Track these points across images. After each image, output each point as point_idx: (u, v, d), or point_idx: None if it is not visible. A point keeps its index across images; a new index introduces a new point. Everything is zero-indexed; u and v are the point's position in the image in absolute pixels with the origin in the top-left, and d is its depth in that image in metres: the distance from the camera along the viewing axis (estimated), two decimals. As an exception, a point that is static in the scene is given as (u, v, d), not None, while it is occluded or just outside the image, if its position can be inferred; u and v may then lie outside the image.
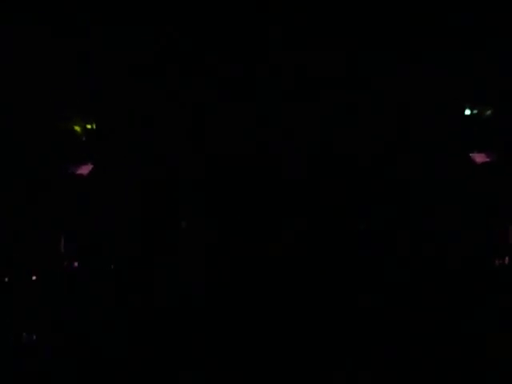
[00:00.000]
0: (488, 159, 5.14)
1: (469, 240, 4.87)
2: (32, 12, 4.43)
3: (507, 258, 4.89)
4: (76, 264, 5.03)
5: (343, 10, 4.57)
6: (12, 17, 4.45)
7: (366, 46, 4.71)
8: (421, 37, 4.90)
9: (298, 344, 4.06)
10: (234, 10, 4.51)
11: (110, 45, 4.69)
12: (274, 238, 4.69)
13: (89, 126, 5.18)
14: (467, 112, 5.16)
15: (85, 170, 5.16)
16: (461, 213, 4.96)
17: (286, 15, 4.54)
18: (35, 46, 4.68)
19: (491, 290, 4.58)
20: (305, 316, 4.29)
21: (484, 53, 4.99)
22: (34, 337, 4.65)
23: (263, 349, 4.02)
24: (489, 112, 5.16)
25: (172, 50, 4.67)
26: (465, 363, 3.86)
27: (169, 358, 4.02)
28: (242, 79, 4.73)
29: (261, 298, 4.42)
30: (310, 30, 4.60)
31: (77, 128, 5.17)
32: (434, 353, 3.98)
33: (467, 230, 4.90)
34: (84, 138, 5.19)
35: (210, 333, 4.17)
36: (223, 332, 4.19)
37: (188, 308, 4.44)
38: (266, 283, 4.52)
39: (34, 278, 4.99)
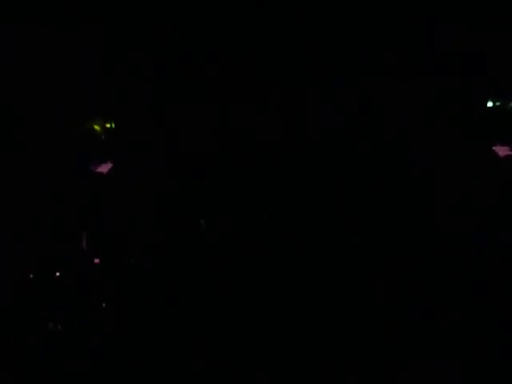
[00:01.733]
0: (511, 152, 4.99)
1: (491, 237, 4.73)
2: (32, 12, 4.49)
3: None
4: (97, 261, 5.15)
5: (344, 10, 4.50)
6: (26, 17, 4.53)
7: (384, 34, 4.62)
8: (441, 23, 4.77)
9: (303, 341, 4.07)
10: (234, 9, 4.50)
11: (118, 44, 4.73)
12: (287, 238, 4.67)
13: (108, 125, 5.26)
14: (489, 104, 5.00)
15: (104, 168, 5.25)
16: (482, 208, 4.83)
17: (288, 15, 4.51)
18: (50, 45, 4.76)
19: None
20: (310, 314, 4.29)
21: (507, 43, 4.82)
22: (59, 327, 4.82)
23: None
24: (512, 103, 4.99)
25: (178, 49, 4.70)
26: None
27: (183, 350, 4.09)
28: (242, 78, 4.72)
29: (271, 296, 4.43)
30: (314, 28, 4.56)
31: (96, 127, 5.25)
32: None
33: (489, 226, 4.76)
34: (103, 137, 5.27)
35: (219, 330, 4.22)
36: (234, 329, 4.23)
37: (201, 306, 4.49)
38: (276, 281, 4.52)
39: (57, 274, 5.14)
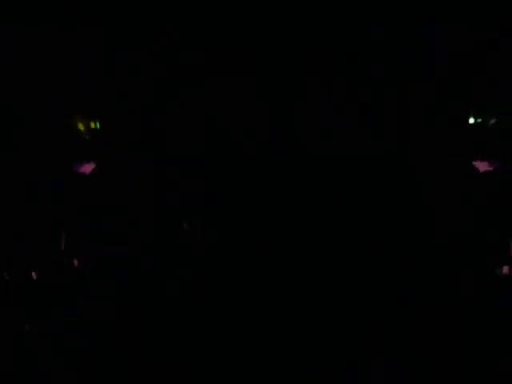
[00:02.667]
0: (491, 168, 5.14)
1: (470, 249, 4.86)
2: (32, 12, 4.44)
3: (508, 268, 4.88)
4: (76, 263, 5.04)
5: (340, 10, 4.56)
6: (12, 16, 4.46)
7: (370, 49, 4.70)
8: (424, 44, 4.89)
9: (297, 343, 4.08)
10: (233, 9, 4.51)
11: (111, 44, 4.70)
12: (276, 237, 4.66)
13: (92, 125, 5.18)
14: (471, 121, 5.15)
15: (87, 168, 5.16)
16: (462, 221, 4.96)
17: (287, 16, 4.54)
18: (35, 43, 4.68)
19: (490, 296, 4.58)
20: (304, 315, 4.30)
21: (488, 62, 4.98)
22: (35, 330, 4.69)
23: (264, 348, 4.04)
24: (493, 121, 5.16)
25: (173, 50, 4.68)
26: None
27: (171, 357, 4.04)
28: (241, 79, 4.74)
29: (264, 297, 4.41)
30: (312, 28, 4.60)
31: (80, 126, 5.16)
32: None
33: (468, 238, 4.89)
34: (87, 137, 5.18)
35: (211, 333, 4.18)
36: (225, 332, 4.20)
37: (188, 307, 4.45)
38: (269, 283, 4.51)
39: (34, 275, 5.00)
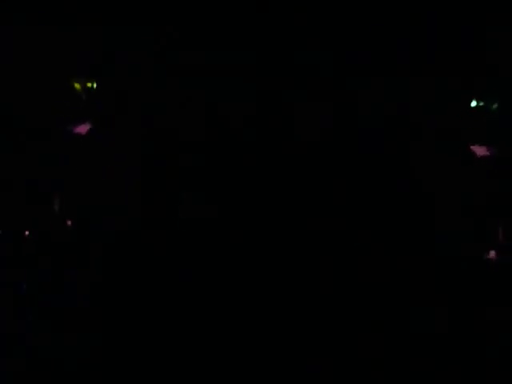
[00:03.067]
0: (488, 153, 5.13)
1: (463, 235, 4.92)
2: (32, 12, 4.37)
3: (494, 254, 4.96)
4: (70, 223, 5.06)
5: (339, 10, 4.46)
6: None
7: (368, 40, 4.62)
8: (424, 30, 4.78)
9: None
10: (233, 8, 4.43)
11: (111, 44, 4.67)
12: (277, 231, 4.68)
13: (89, 85, 5.07)
14: (473, 104, 5.09)
15: (83, 129, 5.09)
16: (457, 207, 4.99)
17: (287, 16, 4.45)
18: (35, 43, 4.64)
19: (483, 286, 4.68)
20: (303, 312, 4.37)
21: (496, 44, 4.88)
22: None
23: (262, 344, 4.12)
24: (496, 105, 5.10)
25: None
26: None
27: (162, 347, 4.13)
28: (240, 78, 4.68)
29: (263, 290, 4.46)
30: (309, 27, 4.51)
31: (76, 85, 5.06)
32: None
33: (463, 225, 4.94)
34: (84, 97, 5.09)
35: (206, 325, 4.26)
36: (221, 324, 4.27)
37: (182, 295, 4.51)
38: (268, 276, 4.54)
39: (26, 232, 5.03)
